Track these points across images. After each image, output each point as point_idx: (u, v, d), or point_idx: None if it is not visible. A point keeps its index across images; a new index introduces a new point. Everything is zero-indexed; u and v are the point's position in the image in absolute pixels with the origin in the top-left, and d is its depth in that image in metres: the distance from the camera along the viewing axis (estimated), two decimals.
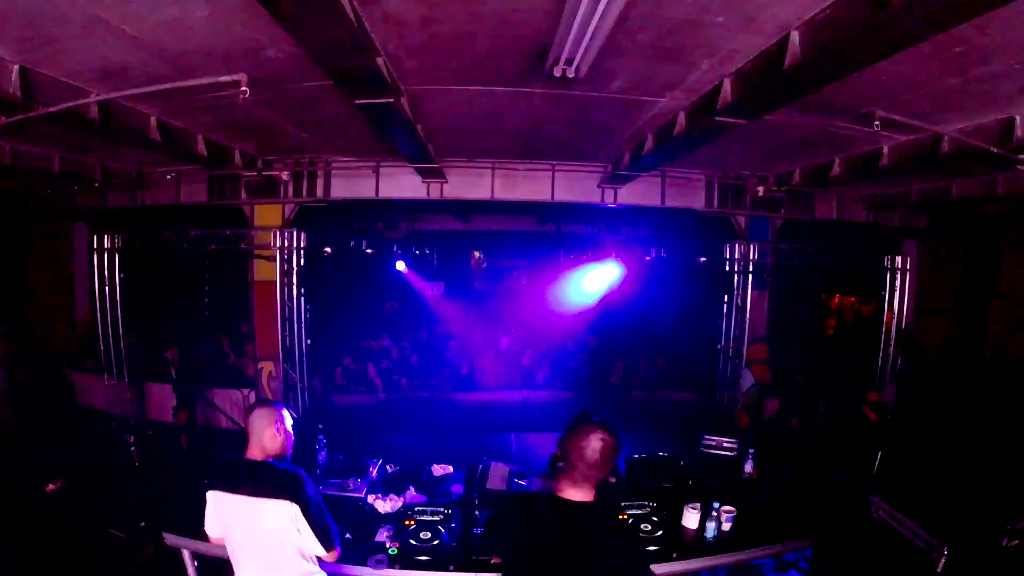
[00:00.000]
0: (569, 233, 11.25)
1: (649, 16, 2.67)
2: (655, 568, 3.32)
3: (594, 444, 2.02)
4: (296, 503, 2.45)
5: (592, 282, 9.07)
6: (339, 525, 2.66)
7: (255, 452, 2.56)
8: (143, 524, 4.81)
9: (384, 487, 4.05)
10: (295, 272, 7.12)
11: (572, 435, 2.08)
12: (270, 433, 2.56)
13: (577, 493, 2.07)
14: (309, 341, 7.39)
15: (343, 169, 6.85)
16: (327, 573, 2.70)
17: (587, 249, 9.43)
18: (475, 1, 2.60)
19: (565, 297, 9.65)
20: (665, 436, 5.72)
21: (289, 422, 2.66)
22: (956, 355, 8.53)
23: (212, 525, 2.61)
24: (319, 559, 2.63)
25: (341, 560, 2.97)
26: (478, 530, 3.32)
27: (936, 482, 4.13)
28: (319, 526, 2.50)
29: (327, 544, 2.53)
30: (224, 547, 2.63)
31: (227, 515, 2.54)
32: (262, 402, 2.71)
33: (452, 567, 3.17)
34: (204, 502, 2.59)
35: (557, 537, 2.03)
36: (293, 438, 2.68)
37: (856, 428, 5.56)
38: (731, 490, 4.03)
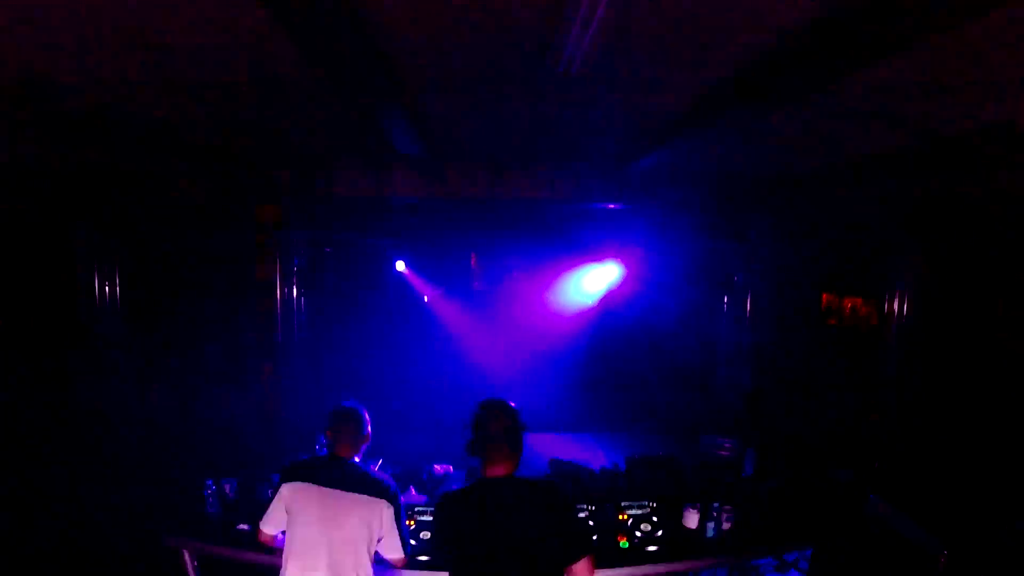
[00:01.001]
0: (569, 233, 11.24)
1: (650, 16, 2.66)
2: (655, 568, 3.35)
3: (490, 420, 2.31)
4: (392, 505, 2.60)
5: (592, 282, 9.08)
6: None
7: (347, 451, 2.68)
8: (143, 524, 4.81)
9: None
10: (295, 272, 7.12)
11: (475, 420, 2.35)
12: (363, 434, 2.72)
13: (494, 468, 2.29)
14: (309, 341, 7.39)
15: (343, 169, 6.85)
16: None
17: (587, 249, 9.43)
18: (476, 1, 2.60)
19: (565, 297, 9.65)
20: (665, 436, 5.73)
21: (368, 418, 2.81)
22: (956, 355, 8.52)
23: (273, 521, 2.66)
24: (387, 563, 2.77)
25: None
26: None
27: (936, 482, 4.12)
28: (403, 533, 2.67)
29: (406, 550, 2.70)
30: (270, 544, 2.73)
31: (303, 508, 2.56)
32: (350, 405, 2.81)
33: None
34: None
35: (483, 510, 2.24)
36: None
37: (856, 428, 5.56)
38: (731, 490, 4.03)
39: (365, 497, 2.54)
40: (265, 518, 2.66)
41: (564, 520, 2.29)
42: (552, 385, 8.94)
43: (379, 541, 2.62)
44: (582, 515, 3.53)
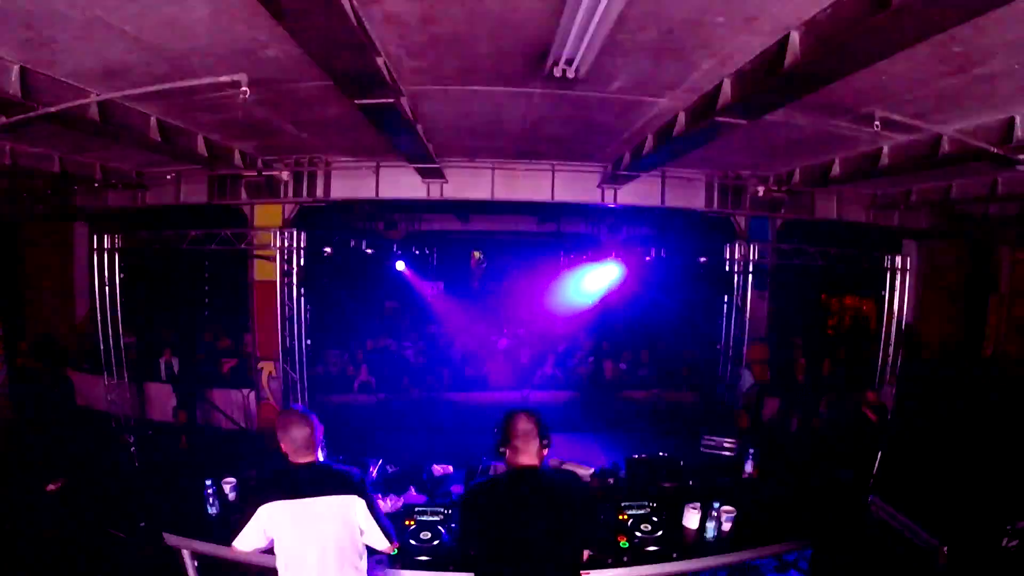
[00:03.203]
0: (569, 233, 11.26)
1: (649, 16, 2.66)
2: (655, 568, 3.35)
3: (521, 419, 2.57)
4: (362, 498, 2.59)
5: (592, 282, 9.08)
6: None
7: (302, 457, 2.63)
8: (143, 524, 4.81)
9: (384, 487, 4.05)
10: (295, 272, 7.11)
11: (504, 421, 2.62)
12: (313, 440, 2.66)
13: (525, 458, 2.53)
14: (309, 341, 7.38)
15: (343, 169, 6.85)
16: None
17: (587, 249, 9.45)
18: (475, 1, 2.60)
19: (565, 297, 9.65)
20: (665, 436, 5.73)
21: (316, 418, 2.77)
22: (956, 355, 8.53)
23: (250, 541, 2.61)
24: (378, 555, 2.82)
25: None
26: None
27: (936, 482, 4.12)
28: (382, 521, 2.65)
29: (389, 537, 2.68)
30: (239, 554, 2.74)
31: (286, 524, 2.55)
32: (297, 411, 2.78)
33: (452, 567, 3.17)
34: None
35: (515, 499, 2.49)
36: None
37: (856, 428, 5.56)
38: (731, 490, 4.03)
39: (335, 497, 2.54)
40: (240, 537, 2.61)
41: (585, 512, 2.62)
42: (552, 384, 8.95)
43: (363, 534, 2.63)
44: None
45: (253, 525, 2.58)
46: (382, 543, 2.65)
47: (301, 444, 2.62)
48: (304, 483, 2.57)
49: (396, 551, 3.21)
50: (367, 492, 2.60)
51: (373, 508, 2.61)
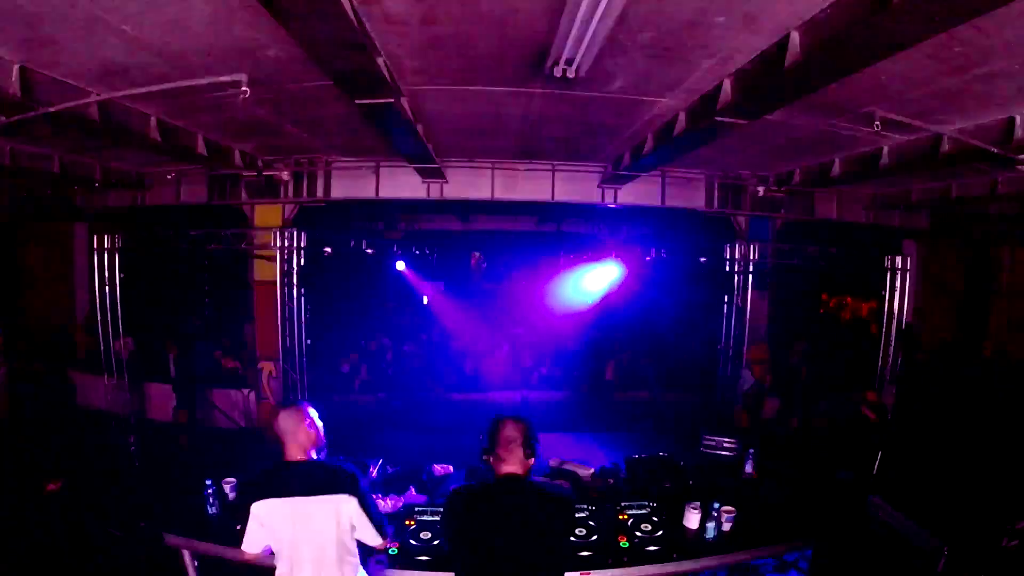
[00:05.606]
0: (569, 233, 11.25)
1: (649, 16, 2.66)
2: (655, 568, 3.35)
3: (507, 425, 2.53)
4: (354, 496, 2.55)
5: (592, 282, 9.06)
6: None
7: (295, 453, 2.62)
8: (143, 524, 4.81)
9: (384, 487, 4.05)
10: (295, 272, 7.12)
11: (490, 428, 2.56)
12: (304, 431, 2.63)
13: (508, 467, 2.48)
14: (309, 341, 7.39)
15: (343, 169, 6.85)
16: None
17: (587, 249, 9.42)
18: (475, 1, 2.60)
19: (565, 297, 9.64)
20: (665, 436, 5.73)
21: (316, 416, 2.75)
22: (956, 355, 8.53)
23: (255, 541, 2.62)
24: (376, 555, 2.83)
25: None
26: None
27: (936, 482, 4.12)
28: (375, 517, 2.62)
29: (383, 533, 2.65)
30: (249, 558, 2.69)
31: (278, 522, 2.55)
32: (284, 405, 2.81)
33: None
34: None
35: (494, 508, 2.45)
36: (323, 430, 2.76)
37: (856, 428, 5.56)
38: (731, 490, 4.02)
39: (324, 497, 2.52)
40: (246, 540, 2.63)
41: (563, 527, 2.54)
42: (552, 384, 8.94)
43: (355, 530, 2.61)
44: (582, 515, 3.55)
45: (252, 524, 2.58)
46: (374, 539, 2.62)
47: (289, 436, 2.60)
48: (295, 481, 2.56)
49: (395, 551, 3.25)
50: (359, 489, 2.56)
51: (366, 505, 2.58)
